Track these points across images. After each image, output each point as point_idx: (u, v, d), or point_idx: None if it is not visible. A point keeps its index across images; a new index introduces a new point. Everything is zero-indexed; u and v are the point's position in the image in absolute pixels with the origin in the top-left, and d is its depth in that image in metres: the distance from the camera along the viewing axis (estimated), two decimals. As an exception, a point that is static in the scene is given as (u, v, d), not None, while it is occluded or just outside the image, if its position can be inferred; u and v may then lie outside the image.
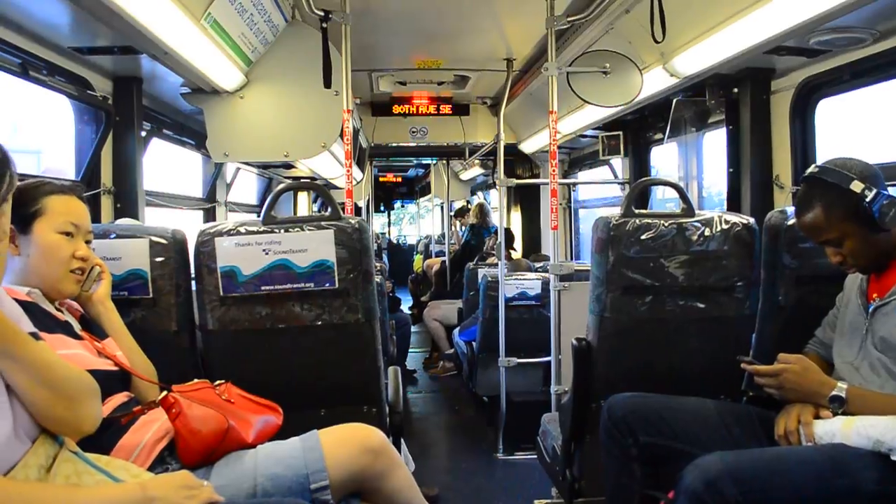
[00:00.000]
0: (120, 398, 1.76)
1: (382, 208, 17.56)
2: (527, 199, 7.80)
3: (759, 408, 2.09)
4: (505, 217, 5.03)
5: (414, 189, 16.05)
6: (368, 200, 8.71)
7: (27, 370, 1.26)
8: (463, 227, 8.56)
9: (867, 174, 1.82)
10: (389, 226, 18.43)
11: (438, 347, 7.02)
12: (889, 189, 1.85)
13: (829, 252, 1.93)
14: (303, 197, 8.12)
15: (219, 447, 1.74)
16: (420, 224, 16.99)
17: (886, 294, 1.86)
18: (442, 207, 10.65)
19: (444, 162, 9.03)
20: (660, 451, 2.03)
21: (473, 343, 5.28)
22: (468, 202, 9.43)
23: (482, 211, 7.74)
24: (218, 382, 1.89)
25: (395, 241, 16.77)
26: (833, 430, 1.75)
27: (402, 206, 18.87)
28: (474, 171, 9.27)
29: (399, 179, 15.47)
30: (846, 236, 1.86)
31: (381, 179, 14.84)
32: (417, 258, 11.32)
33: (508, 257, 5.51)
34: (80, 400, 1.35)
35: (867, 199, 1.78)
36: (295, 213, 7.67)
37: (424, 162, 10.45)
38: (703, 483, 1.57)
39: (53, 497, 1.25)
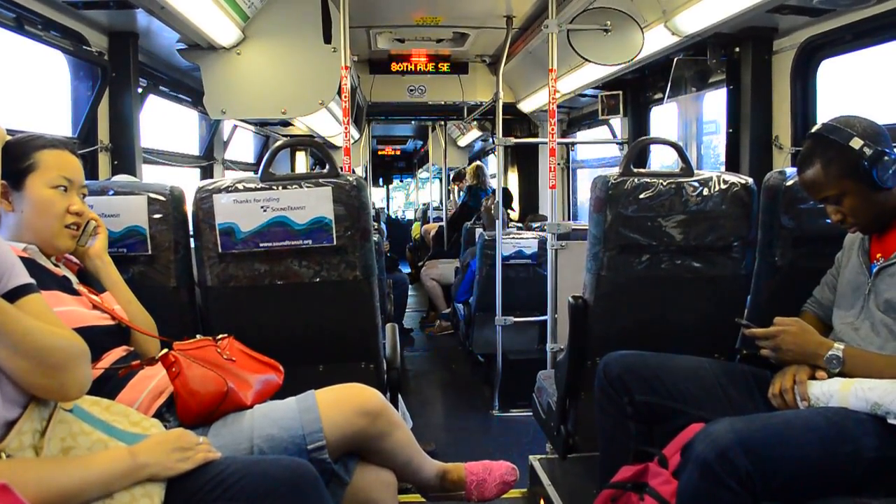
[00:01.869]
0: (118, 352, 1.77)
1: (382, 182, 17.57)
2: (524, 160, 7.78)
3: (752, 367, 2.10)
4: (502, 178, 5.02)
5: (412, 163, 15.94)
6: (366, 167, 8.66)
7: (2, 340, 1.20)
8: (461, 192, 8.54)
9: (870, 132, 1.80)
10: (388, 200, 18.39)
11: (435, 307, 7.06)
12: (896, 149, 1.84)
13: (829, 210, 1.91)
14: (300, 157, 8.08)
15: (217, 409, 1.73)
16: (418, 194, 17.01)
17: (893, 254, 1.84)
18: (440, 174, 10.62)
19: (441, 124, 8.96)
20: (654, 409, 2.04)
21: (470, 302, 5.32)
22: (464, 168, 9.41)
23: (480, 172, 7.72)
24: (220, 337, 1.89)
25: (393, 216, 16.76)
26: (831, 391, 1.74)
27: (401, 181, 18.79)
28: (471, 136, 9.21)
29: (398, 152, 15.34)
30: (845, 193, 1.84)
31: (379, 153, 14.72)
32: (416, 226, 11.32)
33: (507, 217, 5.52)
34: (63, 368, 1.28)
35: (866, 157, 1.77)
36: (293, 171, 7.64)
37: (425, 122, 10.38)
38: (715, 453, 1.55)
39: (44, 471, 1.24)
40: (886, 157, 1.76)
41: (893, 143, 1.83)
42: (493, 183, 7.41)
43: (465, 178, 8.09)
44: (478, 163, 8.51)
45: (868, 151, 1.77)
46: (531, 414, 3.10)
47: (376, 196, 17.21)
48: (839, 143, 1.81)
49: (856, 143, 1.78)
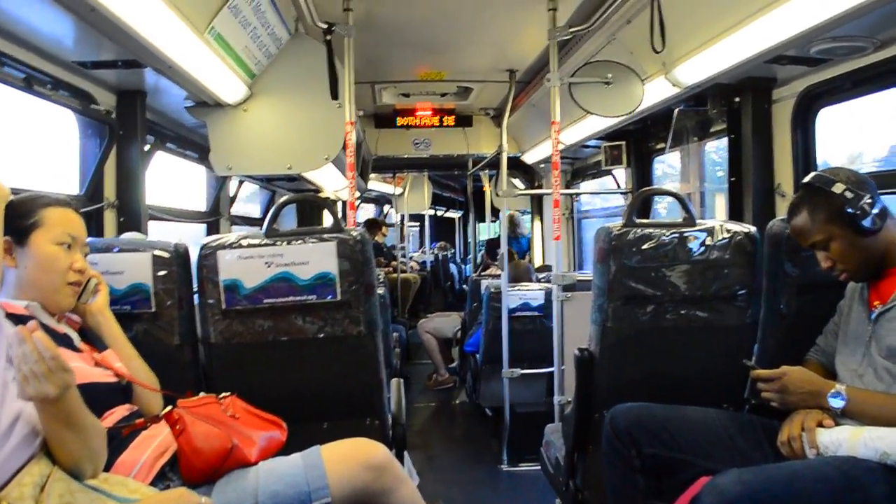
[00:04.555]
0: (122, 411, 1.76)
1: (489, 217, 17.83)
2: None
3: (761, 417, 2.08)
4: (506, 230, 5.02)
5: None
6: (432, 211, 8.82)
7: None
8: None
9: (853, 179, 1.88)
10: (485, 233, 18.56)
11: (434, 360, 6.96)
12: (884, 197, 1.89)
13: (819, 256, 1.97)
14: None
15: (221, 467, 1.72)
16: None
17: (889, 300, 1.87)
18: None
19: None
20: (663, 462, 2.03)
21: (476, 355, 5.27)
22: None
23: (512, 221, 7.74)
24: (223, 395, 1.89)
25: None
26: (839, 440, 1.74)
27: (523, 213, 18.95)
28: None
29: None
30: (832, 238, 1.90)
31: (483, 189, 15.13)
32: None
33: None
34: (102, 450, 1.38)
35: (848, 202, 1.84)
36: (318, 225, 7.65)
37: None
38: None
39: None
40: (868, 202, 1.83)
41: (879, 190, 1.90)
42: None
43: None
44: (512, 212, 8.51)
45: (850, 195, 1.84)
46: (540, 468, 3.05)
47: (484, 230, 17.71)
48: (824, 190, 1.89)
49: (838, 188, 1.87)
